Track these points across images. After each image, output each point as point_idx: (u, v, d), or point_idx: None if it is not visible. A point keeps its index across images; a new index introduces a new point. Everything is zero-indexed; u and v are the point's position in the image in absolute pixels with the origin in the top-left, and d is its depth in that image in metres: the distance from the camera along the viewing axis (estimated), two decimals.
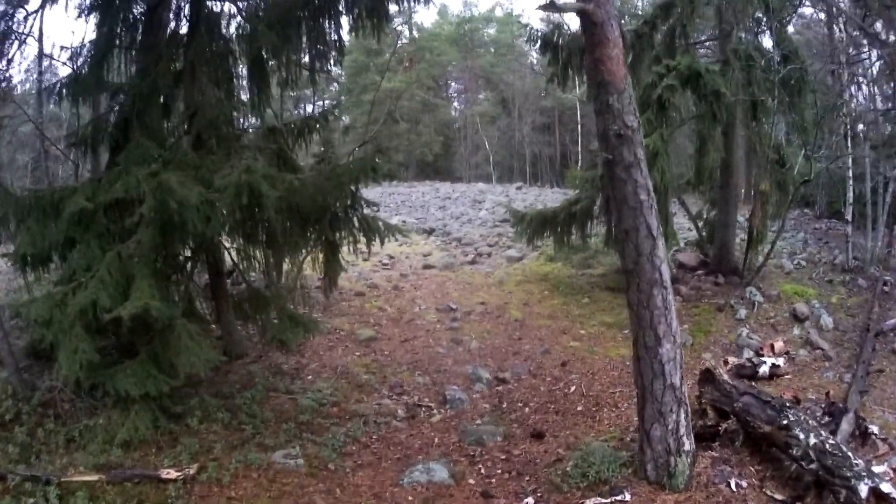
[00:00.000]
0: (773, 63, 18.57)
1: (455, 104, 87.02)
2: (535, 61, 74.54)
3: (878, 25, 27.70)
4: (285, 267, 14.31)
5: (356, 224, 12.68)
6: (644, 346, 8.99)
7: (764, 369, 14.31)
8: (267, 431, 10.98)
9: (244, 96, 14.33)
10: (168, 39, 12.70)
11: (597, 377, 14.34)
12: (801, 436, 9.03)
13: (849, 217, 22.47)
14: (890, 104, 26.18)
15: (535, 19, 75.42)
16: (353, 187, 11.88)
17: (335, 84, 70.78)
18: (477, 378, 14.26)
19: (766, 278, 20.07)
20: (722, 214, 21.23)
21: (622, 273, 9.63)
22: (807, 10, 29.38)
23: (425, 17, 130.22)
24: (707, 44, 23.63)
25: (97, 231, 10.48)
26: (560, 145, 72.88)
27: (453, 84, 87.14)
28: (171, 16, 12.95)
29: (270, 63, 13.43)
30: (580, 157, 63.69)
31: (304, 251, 13.37)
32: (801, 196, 22.98)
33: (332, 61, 14.21)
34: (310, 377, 13.62)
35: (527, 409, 12.99)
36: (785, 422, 9.30)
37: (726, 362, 14.49)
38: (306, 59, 13.77)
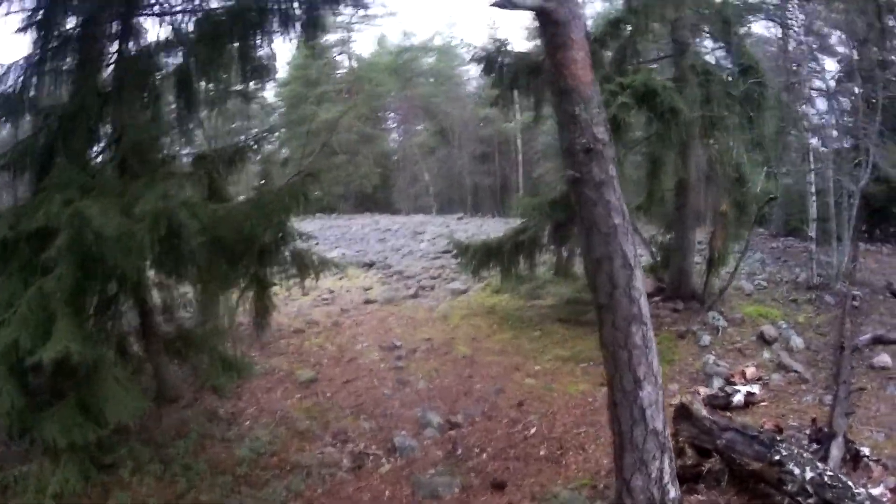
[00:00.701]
0: (732, 77, 18.06)
1: (394, 135, 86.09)
2: (474, 89, 74.81)
3: (834, 38, 27.64)
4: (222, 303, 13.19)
5: (288, 258, 11.81)
6: (622, 390, 7.99)
7: (738, 398, 13.43)
8: (202, 485, 10.04)
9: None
10: (96, 57, 11.86)
11: (558, 417, 13.25)
12: (797, 471, 8.40)
13: (812, 234, 22.06)
14: (847, 118, 25.76)
15: (478, 40, 76.53)
16: (282, 217, 10.87)
17: (275, 115, 70.29)
18: (427, 422, 13.05)
19: (726, 301, 19.36)
20: (679, 238, 20.39)
21: (594, 308, 8.45)
22: (756, 30, 29.00)
23: (364, 47, 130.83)
24: (657, 63, 22.89)
25: (20, 262, 9.68)
26: (500, 175, 72.75)
27: (392, 115, 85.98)
28: (102, 32, 11.99)
29: (199, 83, 12.55)
30: (521, 186, 63.94)
31: (234, 288, 12.25)
32: (759, 215, 22.21)
33: (264, 79, 13.43)
34: (247, 423, 12.51)
35: (484, 456, 11.87)
36: (777, 457, 8.61)
37: (697, 393, 13.48)
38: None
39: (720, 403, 13.22)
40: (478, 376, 15.51)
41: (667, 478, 8.01)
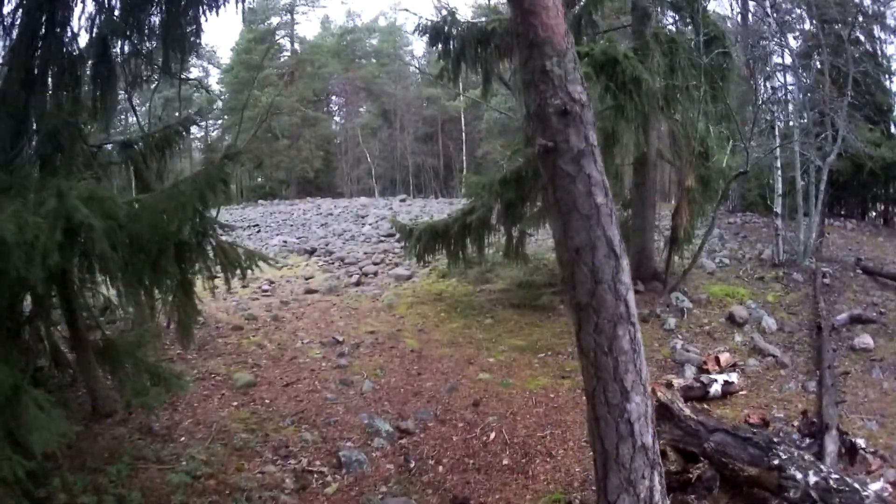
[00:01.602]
0: (699, 47, 17.16)
1: (336, 118, 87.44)
2: (417, 69, 76.31)
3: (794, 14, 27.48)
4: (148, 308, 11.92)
5: (210, 254, 10.09)
6: (605, 404, 6.54)
7: (716, 388, 12.53)
8: None
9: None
10: (27, 41, 10.39)
11: (519, 418, 12.11)
12: (799, 475, 7.78)
13: (778, 209, 21.63)
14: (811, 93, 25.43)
15: (424, 12, 78.54)
16: (199, 207, 9.28)
17: (219, 102, 69.80)
18: (375, 431, 11.63)
19: (689, 281, 18.71)
20: (638, 216, 19.60)
21: (570, 308, 6.82)
22: (711, 6, 28.87)
23: (308, 29, 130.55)
24: (609, 33, 22.14)
25: None
26: (443, 155, 74.23)
27: (334, 98, 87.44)
28: (37, 13, 10.53)
29: (122, 62, 11.38)
30: (465, 166, 64.59)
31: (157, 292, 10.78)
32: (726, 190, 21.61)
33: (188, 54, 12.34)
34: (183, 438, 11.10)
35: (440, 468, 10.64)
36: (776, 461, 7.93)
37: (670, 385, 12.08)
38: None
39: (696, 395, 12.34)
40: (428, 373, 14.33)
41: (657, 496, 6.86)
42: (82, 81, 11.24)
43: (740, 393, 12.78)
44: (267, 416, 11.96)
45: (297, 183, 71.24)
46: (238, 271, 10.13)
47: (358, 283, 22.30)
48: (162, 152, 12.36)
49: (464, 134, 67.08)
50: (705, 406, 11.96)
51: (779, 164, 21.95)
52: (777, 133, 22.94)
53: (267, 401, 12.63)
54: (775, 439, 8.52)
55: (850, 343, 14.89)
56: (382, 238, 29.86)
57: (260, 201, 56.23)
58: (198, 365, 13.84)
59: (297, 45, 77.11)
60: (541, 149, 6.33)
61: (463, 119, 66.67)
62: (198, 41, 11.72)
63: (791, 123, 25.17)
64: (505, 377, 13.86)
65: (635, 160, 17.81)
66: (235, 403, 12.38)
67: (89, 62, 11.15)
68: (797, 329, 16.05)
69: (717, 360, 13.88)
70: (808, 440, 9.91)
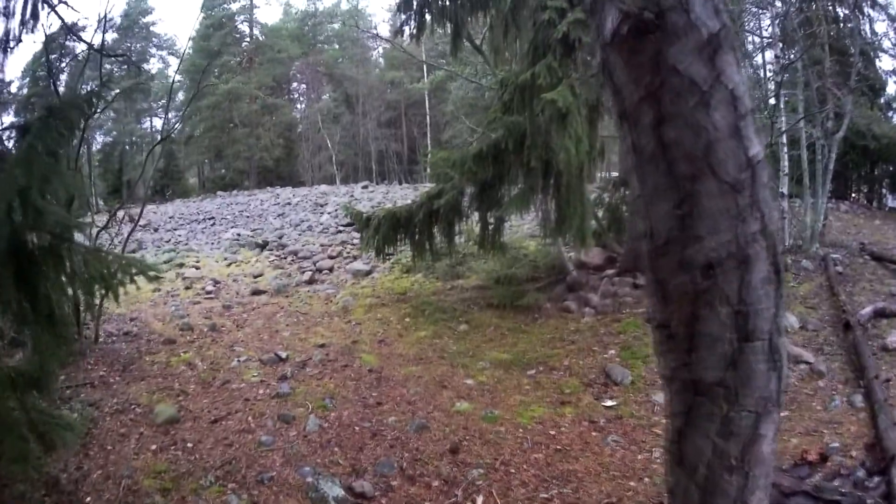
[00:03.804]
0: None
1: (298, 105, 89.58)
2: (376, 35, 77.03)
3: None
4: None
5: (66, 265, 7.06)
6: None
7: None
8: None
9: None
10: None
11: (513, 469, 9.00)
12: None
13: (784, 190, 19.94)
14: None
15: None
16: (25, 191, 6.28)
17: (181, 92, 69.13)
18: (320, 497, 8.28)
19: None
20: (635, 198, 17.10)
21: (674, 387, 3.23)
22: None
23: (268, 14, 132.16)
24: None
25: None
26: (407, 139, 76.43)
27: (295, 84, 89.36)
28: None
29: None
30: (429, 150, 63.46)
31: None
32: None
33: None
34: (89, 499, 8.28)
35: None
36: None
37: None
38: None
39: None
40: (390, 402, 11.50)
41: None
42: None
43: (782, 413, 10.34)
44: (187, 469, 9.15)
45: (257, 172, 72.21)
46: (109, 289, 7.31)
47: (311, 281, 20.96)
48: (61, 134, 9.76)
49: (428, 117, 68.97)
50: None
51: (784, 140, 20.47)
52: (782, 106, 21.50)
53: (189, 444, 9.96)
54: (869, 501, 6.64)
55: (881, 342, 12.89)
56: (341, 228, 29.34)
57: (219, 192, 56.54)
58: (119, 391, 11.50)
59: (256, 31, 78.86)
60: (627, 23, 2.74)
61: (427, 102, 68.33)
62: None
63: (790, 99, 23.85)
64: (489, 407, 11.09)
65: None
66: (154, 447, 9.75)
67: None
68: (821, 327, 14.08)
69: None
70: (875, 478, 7.80)
